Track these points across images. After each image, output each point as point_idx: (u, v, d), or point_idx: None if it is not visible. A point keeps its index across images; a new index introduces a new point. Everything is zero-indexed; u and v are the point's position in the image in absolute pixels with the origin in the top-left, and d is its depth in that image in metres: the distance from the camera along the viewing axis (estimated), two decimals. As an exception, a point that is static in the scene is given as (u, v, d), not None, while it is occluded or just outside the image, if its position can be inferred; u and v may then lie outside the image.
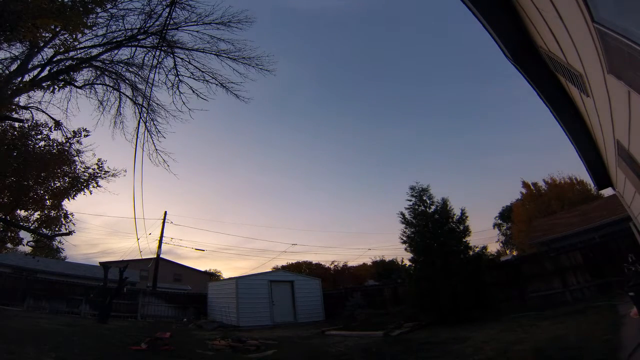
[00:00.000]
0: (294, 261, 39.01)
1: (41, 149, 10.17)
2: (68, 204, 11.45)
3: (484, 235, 68.29)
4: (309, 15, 54.44)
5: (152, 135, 12.26)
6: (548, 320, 8.10)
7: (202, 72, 12.38)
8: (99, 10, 9.40)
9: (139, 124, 12.00)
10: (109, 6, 9.81)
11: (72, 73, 10.93)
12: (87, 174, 10.82)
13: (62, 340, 7.32)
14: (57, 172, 10.47)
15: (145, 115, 12.13)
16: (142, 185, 23.93)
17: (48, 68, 10.32)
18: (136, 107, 12.41)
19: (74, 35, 8.58)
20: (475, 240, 46.58)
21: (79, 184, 10.66)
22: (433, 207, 12.25)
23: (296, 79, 57.98)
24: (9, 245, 11.48)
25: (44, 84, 10.04)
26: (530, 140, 61.13)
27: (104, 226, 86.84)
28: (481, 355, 5.90)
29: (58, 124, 10.66)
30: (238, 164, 67.31)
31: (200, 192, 71.58)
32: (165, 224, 23.86)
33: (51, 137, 10.44)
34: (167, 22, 10.34)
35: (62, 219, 10.67)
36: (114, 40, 11.26)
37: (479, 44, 63.91)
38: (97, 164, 10.96)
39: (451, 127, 69.79)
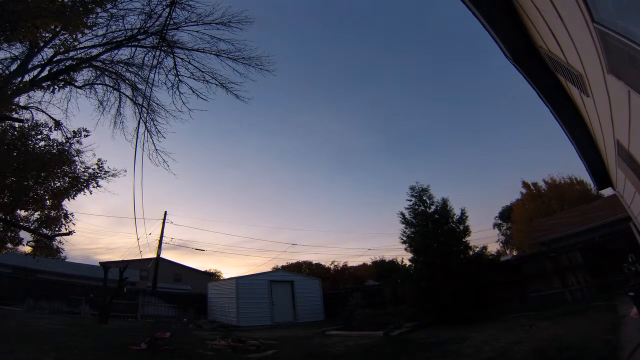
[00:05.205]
0: (294, 261, 39.04)
1: (41, 149, 10.14)
2: (68, 203, 11.45)
3: (484, 235, 68.42)
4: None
5: (152, 135, 12.27)
6: (548, 320, 8.10)
7: (202, 72, 12.39)
8: (99, 10, 9.39)
9: (139, 124, 12.02)
10: (109, 6, 9.81)
11: (72, 73, 10.93)
12: (87, 174, 10.80)
13: (62, 340, 7.32)
14: (57, 172, 10.45)
15: (145, 115, 12.14)
16: (142, 185, 23.92)
17: (48, 68, 10.32)
18: (136, 107, 12.43)
19: (74, 35, 8.58)
20: (475, 240, 46.62)
21: (79, 184, 10.64)
22: (433, 207, 12.27)
23: (291, 78, 57.99)
24: (9, 245, 11.45)
25: (44, 84, 10.03)
26: (530, 140, 61.21)
27: (104, 224, 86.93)
28: (481, 355, 5.90)
29: (58, 124, 10.66)
30: (238, 164, 67.33)
31: (200, 192, 71.63)
32: (166, 223, 23.89)
33: (51, 137, 10.42)
34: (167, 22, 10.35)
35: (62, 219, 10.66)
36: (114, 40, 11.26)
37: (479, 43, 63.89)
38: (97, 164, 10.94)
39: (451, 127, 69.82)
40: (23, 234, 10.68)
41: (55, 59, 10.31)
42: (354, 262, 47.40)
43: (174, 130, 32.80)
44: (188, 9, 10.97)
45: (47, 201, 10.60)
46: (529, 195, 34.45)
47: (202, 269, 41.83)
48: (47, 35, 8.25)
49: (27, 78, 9.66)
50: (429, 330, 9.78)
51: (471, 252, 11.62)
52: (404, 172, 70.41)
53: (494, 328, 8.31)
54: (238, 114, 72.16)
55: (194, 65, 12.30)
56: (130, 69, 11.96)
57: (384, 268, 31.18)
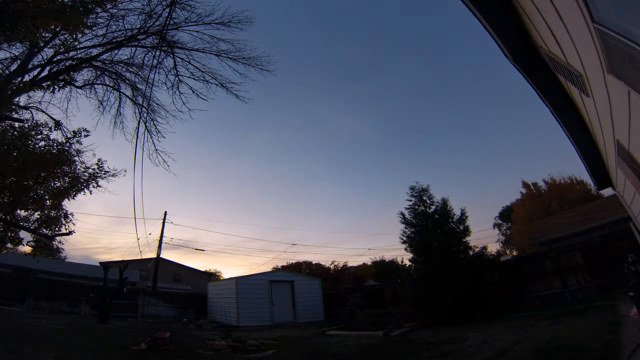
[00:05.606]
0: (294, 261, 39.09)
1: (41, 149, 10.14)
2: (68, 203, 11.45)
3: (484, 235, 68.43)
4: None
5: (152, 135, 12.26)
6: (548, 320, 8.10)
7: (202, 72, 12.39)
8: (99, 10, 9.40)
9: (139, 124, 12.02)
10: (109, 6, 9.80)
11: (72, 73, 10.93)
12: (87, 174, 10.78)
13: (62, 340, 7.32)
14: (57, 172, 10.44)
15: (145, 115, 12.14)
16: (142, 185, 23.95)
17: (48, 68, 10.32)
18: (136, 107, 12.43)
19: (74, 35, 8.59)
20: (475, 240, 46.61)
21: (79, 184, 10.63)
22: (433, 207, 12.27)
23: (288, 76, 58.00)
24: (9, 245, 11.46)
25: (44, 84, 10.03)
26: (531, 140, 61.20)
27: (104, 224, 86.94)
28: (481, 355, 5.90)
29: (58, 124, 10.65)
30: (238, 164, 67.35)
31: (200, 192, 71.62)
32: (166, 223, 23.89)
33: (51, 137, 10.40)
34: (167, 22, 10.33)
35: (62, 219, 10.65)
36: (114, 40, 11.26)
37: (478, 43, 63.87)
38: (97, 164, 10.92)
39: (451, 127, 69.81)
40: (23, 234, 10.68)
41: (55, 59, 10.31)
42: (354, 262, 47.46)
43: (174, 130, 32.83)
44: (188, 9, 10.99)
45: (47, 201, 10.59)
46: (529, 195, 34.50)
47: (202, 269, 41.84)
48: (47, 35, 8.26)
49: (27, 78, 9.67)
50: (429, 330, 9.78)
51: (471, 252, 11.63)
52: (403, 172, 70.47)
53: (494, 328, 8.31)
54: (238, 113, 72.20)
55: (194, 65, 12.32)
56: (130, 69, 11.97)
57: (384, 268, 31.24)
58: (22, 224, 10.55)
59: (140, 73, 12.03)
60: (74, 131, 10.70)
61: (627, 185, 5.11)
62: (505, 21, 3.54)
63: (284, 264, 39.28)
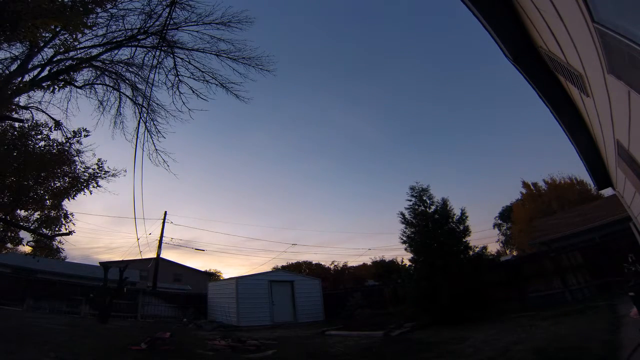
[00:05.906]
0: (294, 261, 39.03)
1: (41, 149, 10.15)
2: (68, 203, 11.45)
3: (484, 235, 68.46)
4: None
5: (152, 135, 12.25)
6: (548, 320, 8.10)
7: (202, 72, 12.37)
8: (99, 10, 9.39)
9: (139, 124, 12.00)
10: (109, 6, 9.79)
11: (72, 73, 10.93)
12: (87, 174, 10.81)
13: (62, 340, 7.31)
14: (57, 172, 10.45)
15: (145, 115, 12.13)
16: (142, 185, 23.96)
17: (48, 68, 10.32)
18: (136, 107, 12.42)
19: (74, 35, 8.57)
20: (475, 240, 46.61)
21: (79, 184, 10.65)
22: (433, 207, 12.26)
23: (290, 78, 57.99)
24: (9, 245, 11.46)
25: (44, 84, 10.03)
26: (531, 141, 61.20)
27: (104, 223, 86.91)
28: (481, 355, 5.90)
29: (58, 124, 10.66)
30: (238, 165, 67.33)
31: (200, 192, 71.63)
32: (166, 223, 23.88)
33: (51, 137, 10.43)
34: (167, 22, 10.33)
35: (62, 219, 10.66)
36: (114, 40, 11.25)
37: (478, 43, 63.89)
38: (97, 164, 10.95)
39: (451, 127, 69.80)
40: (23, 234, 10.69)
41: (55, 59, 10.31)
42: (354, 262, 47.37)
43: (174, 130, 32.79)
44: (188, 9, 10.97)
45: (47, 201, 10.60)
46: (529, 195, 34.45)
47: (202, 269, 41.83)
48: (47, 35, 8.26)
49: (27, 78, 9.66)
50: (429, 330, 9.78)
51: (471, 252, 11.61)
52: (404, 172, 70.47)
53: (494, 328, 8.31)
54: (238, 113, 72.23)
55: (194, 65, 12.30)
56: (130, 69, 11.96)
57: (384, 268, 31.15)
58: (22, 224, 10.56)
59: (140, 73, 12.03)
60: (74, 131, 10.72)
61: (627, 185, 5.11)
62: (505, 21, 3.53)
63: (284, 264, 39.21)
